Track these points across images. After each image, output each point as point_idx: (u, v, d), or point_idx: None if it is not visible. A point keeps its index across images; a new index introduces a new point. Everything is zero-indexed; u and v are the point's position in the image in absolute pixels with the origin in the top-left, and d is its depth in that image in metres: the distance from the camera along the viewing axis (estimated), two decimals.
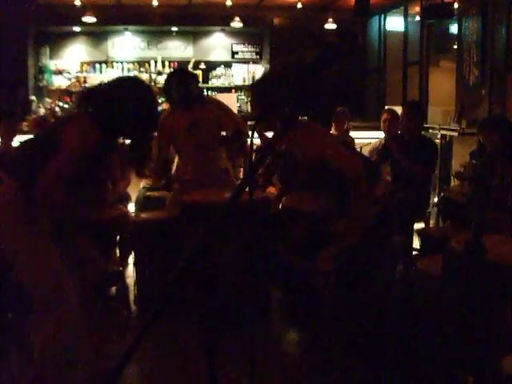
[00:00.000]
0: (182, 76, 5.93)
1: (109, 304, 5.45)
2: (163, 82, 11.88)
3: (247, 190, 1.66)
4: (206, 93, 12.57)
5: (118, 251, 5.76)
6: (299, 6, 11.12)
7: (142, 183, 7.01)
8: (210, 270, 1.62)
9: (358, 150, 7.26)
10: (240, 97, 12.22)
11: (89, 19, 10.76)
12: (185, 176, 5.91)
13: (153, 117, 3.87)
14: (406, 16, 11.15)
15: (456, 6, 9.15)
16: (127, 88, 3.81)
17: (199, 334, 1.80)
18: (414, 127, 6.64)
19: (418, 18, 10.80)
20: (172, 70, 12.54)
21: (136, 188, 6.95)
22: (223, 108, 6.11)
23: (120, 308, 5.38)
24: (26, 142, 3.99)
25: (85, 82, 12.35)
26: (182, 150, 6.07)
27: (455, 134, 8.36)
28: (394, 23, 11.90)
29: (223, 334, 2.60)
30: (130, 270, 5.82)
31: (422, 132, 6.99)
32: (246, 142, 6.08)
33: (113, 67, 12.67)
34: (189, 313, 4.04)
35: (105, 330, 4.72)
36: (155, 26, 12.39)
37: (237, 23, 11.37)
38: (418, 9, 10.67)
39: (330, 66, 1.57)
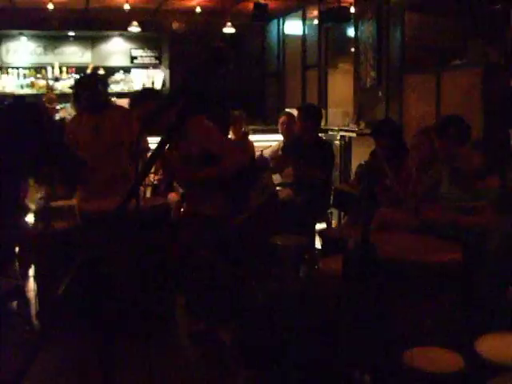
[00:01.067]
0: (89, 80, 5.91)
1: (9, 319, 5.27)
2: (61, 88, 11.74)
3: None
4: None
5: (17, 264, 5.58)
6: (198, 10, 11.10)
7: (39, 194, 6.83)
8: (103, 280, 1.58)
9: (259, 153, 7.30)
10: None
11: None
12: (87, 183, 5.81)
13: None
14: (304, 20, 11.30)
15: (352, 10, 9.33)
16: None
17: (96, 347, 1.75)
18: (310, 129, 6.72)
19: (315, 22, 10.95)
20: (72, 75, 12.36)
21: (32, 198, 6.75)
22: (128, 117, 6.11)
23: (21, 323, 5.20)
24: None
25: None
26: (87, 154, 5.91)
27: (354, 134, 8.54)
28: (293, 27, 12.03)
29: (121, 346, 2.54)
30: (31, 284, 5.65)
31: (322, 134, 7.10)
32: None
33: (8, 73, 12.29)
34: (83, 326, 3.93)
35: (5, 346, 4.55)
36: (52, 31, 12.10)
37: (135, 28, 11.24)
38: (315, 13, 10.81)
39: (217, 69, 1.57)
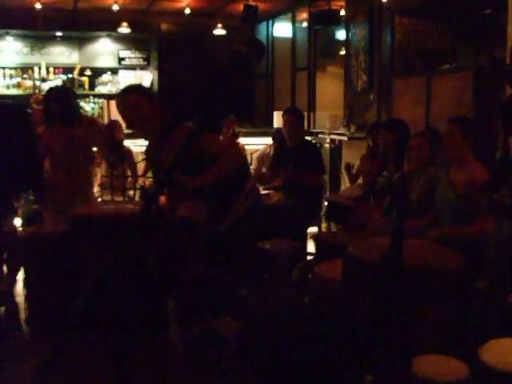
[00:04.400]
0: (61, 92, 5.89)
1: None
2: (48, 88, 11.64)
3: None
4: (92, 100, 12.34)
5: (5, 268, 5.49)
6: (187, 11, 11.03)
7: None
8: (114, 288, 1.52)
9: (248, 156, 7.25)
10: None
11: None
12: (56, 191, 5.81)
13: None
14: (293, 22, 11.26)
15: (343, 12, 9.31)
16: None
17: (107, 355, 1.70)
18: (296, 132, 6.70)
19: (305, 25, 10.93)
20: (59, 76, 12.27)
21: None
22: (97, 129, 6.13)
23: (10, 329, 5.11)
24: None
25: None
26: (56, 165, 6.00)
27: (344, 138, 8.51)
28: (282, 29, 11.99)
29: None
30: (20, 288, 5.56)
31: (311, 137, 7.08)
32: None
33: None
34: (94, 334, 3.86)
35: None
36: (39, 31, 11.98)
37: (124, 28, 11.16)
38: (305, 15, 10.79)
39: (239, 74, 1.52)
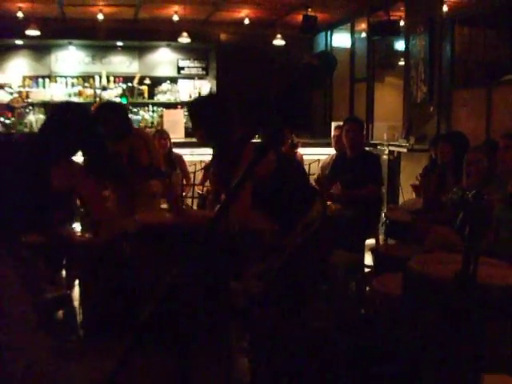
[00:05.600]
0: (109, 110, 5.97)
1: (56, 328, 5.25)
2: (108, 97, 11.84)
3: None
4: (151, 108, 12.47)
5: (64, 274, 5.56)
6: (246, 21, 11.09)
7: None
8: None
9: (307, 166, 7.21)
10: (186, 113, 12.06)
11: (32, 32, 10.49)
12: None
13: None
14: (352, 33, 11.22)
15: (402, 23, 9.24)
16: None
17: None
18: (357, 143, 6.66)
19: (364, 35, 10.87)
20: (119, 84, 12.44)
21: None
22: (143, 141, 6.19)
23: (68, 333, 5.17)
24: None
25: (27, 97, 12.07)
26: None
27: (404, 150, 8.41)
28: (341, 40, 11.95)
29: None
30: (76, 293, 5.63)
31: (369, 148, 7.02)
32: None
33: (56, 82, 12.41)
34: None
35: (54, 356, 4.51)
36: (100, 41, 12.19)
37: (184, 38, 11.25)
38: (364, 25, 10.74)
39: (310, 89, 1.50)
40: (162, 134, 7.79)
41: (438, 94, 8.25)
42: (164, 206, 6.69)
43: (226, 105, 4.59)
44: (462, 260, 2.27)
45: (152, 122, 12.23)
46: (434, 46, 8.29)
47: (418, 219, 5.66)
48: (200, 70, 13.09)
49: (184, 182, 7.62)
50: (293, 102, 1.46)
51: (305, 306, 4.24)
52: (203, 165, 7.10)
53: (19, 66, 12.34)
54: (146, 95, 12.63)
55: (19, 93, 12.01)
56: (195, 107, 4.74)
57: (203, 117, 4.57)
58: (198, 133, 4.66)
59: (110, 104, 6.69)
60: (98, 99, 12.09)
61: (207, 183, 7.05)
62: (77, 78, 12.54)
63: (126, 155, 5.90)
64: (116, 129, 5.88)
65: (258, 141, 4.55)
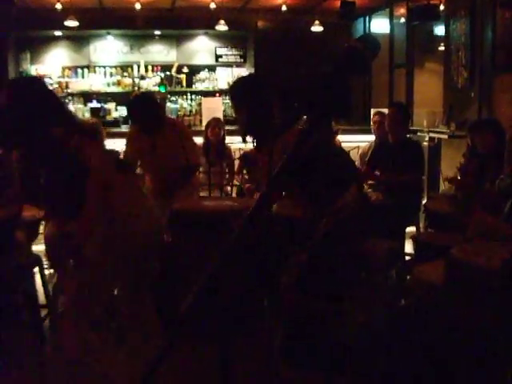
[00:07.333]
0: (144, 102, 6.08)
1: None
2: (146, 86, 11.87)
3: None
4: (190, 97, 12.47)
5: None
6: (284, 8, 11.01)
7: None
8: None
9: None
10: (225, 101, 12.07)
11: (71, 23, 10.59)
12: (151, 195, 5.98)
13: None
14: (391, 18, 11.08)
15: (442, 7, 9.09)
16: None
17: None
18: (400, 129, 6.58)
19: (403, 20, 10.74)
20: (157, 73, 12.45)
21: None
22: (178, 131, 6.26)
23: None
24: None
25: (67, 87, 12.18)
26: (146, 169, 6.36)
27: (445, 136, 8.31)
28: (379, 25, 11.82)
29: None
30: None
31: (410, 135, 6.92)
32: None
33: (95, 72, 12.50)
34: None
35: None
36: (138, 30, 12.23)
37: (222, 26, 11.22)
38: (403, 10, 10.60)
39: (351, 74, 1.46)
40: (217, 123, 7.81)
41: (479, 79, 8.11)
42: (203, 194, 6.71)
43: (265, 89, 4.55)
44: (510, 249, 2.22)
45: (190, 111, 12.22)
46: (476, 31, 8.15)
47: (458, 209, 5.58)
48: (238, 57, 13.04)
49: (227, 170, 7.65)
50: (336, 88, 1.42)
51: (347, 294, 4.21)
52: (241, 152, 7.07)
53: (58, 57, 12.45)
54: (184, 84, 12.63)
55: (59, 83, 12.10)
56: (237, 85, 4.69)
57: (246, 94, 4.52)
58: (240, 115, 4.62)
59: (141, 97, 6.73)
60: (136, 88, 12.14)
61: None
62: (115, 67, 12.60)
63: (159, 147, 5.94)
64: (147, 122, 5.94)
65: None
